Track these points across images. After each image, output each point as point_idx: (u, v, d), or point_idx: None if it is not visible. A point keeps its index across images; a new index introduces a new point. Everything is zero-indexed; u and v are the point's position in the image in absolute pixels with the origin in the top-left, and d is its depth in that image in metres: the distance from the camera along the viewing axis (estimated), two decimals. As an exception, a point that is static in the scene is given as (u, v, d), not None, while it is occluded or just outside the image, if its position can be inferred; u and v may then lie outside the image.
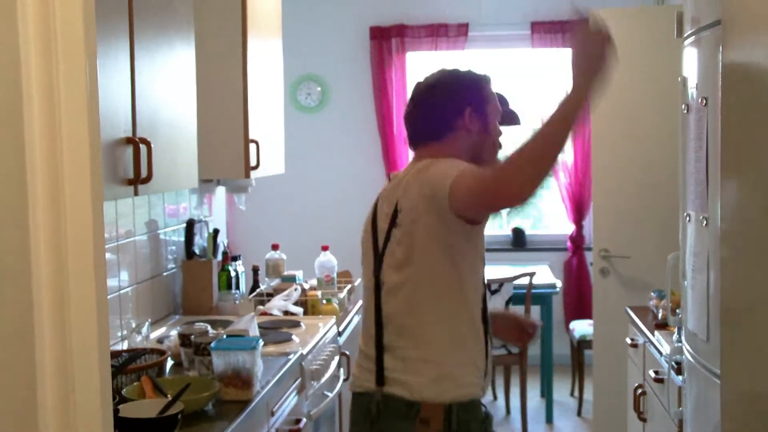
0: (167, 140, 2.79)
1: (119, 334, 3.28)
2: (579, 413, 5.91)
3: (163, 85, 2.81)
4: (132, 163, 2.50)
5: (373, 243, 2.49)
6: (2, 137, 1.28)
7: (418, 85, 2.58)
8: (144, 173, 2.54)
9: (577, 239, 6.89)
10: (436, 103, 2.52)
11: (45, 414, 1.27)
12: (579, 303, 6.82)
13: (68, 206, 1.31)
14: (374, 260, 2.46)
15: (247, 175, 3.80)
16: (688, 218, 2.73)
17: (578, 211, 6.84)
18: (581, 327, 5.91)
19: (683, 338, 2.89)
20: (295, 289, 3.95)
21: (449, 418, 2.29)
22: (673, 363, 3.07)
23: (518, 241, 7.02)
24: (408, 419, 2.29)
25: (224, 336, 2.82)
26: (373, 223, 2.54)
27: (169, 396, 2.42)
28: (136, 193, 2.55)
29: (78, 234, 1.30)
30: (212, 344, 2.65)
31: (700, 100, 2.53)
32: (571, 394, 6.20)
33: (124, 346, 3.17)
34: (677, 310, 3.23)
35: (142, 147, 2.53)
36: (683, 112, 2.77)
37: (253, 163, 3.81)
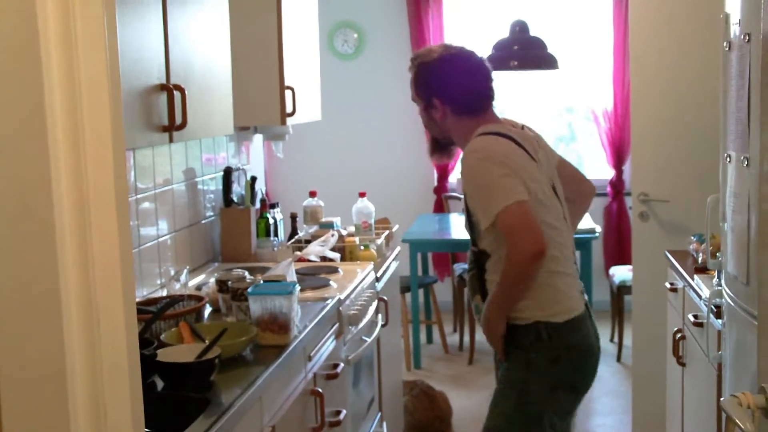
0: (201, 87, 2.79)
1: (158, 281, 3.32)
2: (618, 359, 5.91)
3: (197, 32, 2.80)
4: (166, 109, 2.51)
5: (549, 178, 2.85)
6: (21, 89, 1.27)
7: (474, 54, 2.92)
8: (179, 120, 2.55)
9: (617, 184, 6.82)
10: None
11: (71, 343, 1.28)
12: (619, 248, 6.78)
13: (89, 155, 1.30)
14: (555, 194, 2.85)
15: (283, 122, 3.79)
16: (728, 159, 2.68)
17: (618, 156, 6.77)
18: (621, 272, 5.87)
19: (723, 281, 2.86)
20: (333, 235, 3.96)
21: None
22: (712, 307, 3.04)
23: (558, 186, 6.96)
24: None
25: (261, 281, 2.83)
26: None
27: (206, 341, 2.44)
28: (171, 140, 2.56)
29: (100, 181, 1.30)
30: (249, 289, 2.67)
31: (743, 37, 2.46)
32: (611, 340, 6.19)
33: (163, 293, 3.21)
34: (717, 254, 3.19)
35: (176, 93, 2.54)
36: (725, 49, 2.70)
37: (289, 109, 3.81)
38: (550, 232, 2.74)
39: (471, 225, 2.85)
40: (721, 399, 1.91)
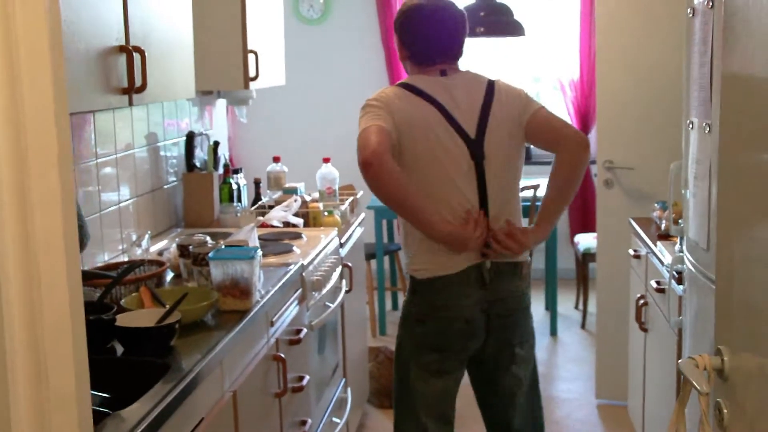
0: (161, 49, 2.74)
1: (120, 247, 3.28)
2: (583, 326, 5.95)
3: (157, -8, 2.76)
4: (126, 71, 2.46)
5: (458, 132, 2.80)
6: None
7: (451, 6, 2.91)
8: (138, 82, 2.50)
9: (583, 152, 6.83)
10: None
11: (9, 305, 1.25)
12: (584, 216, 6.81)
13: (28, 125, 1.27)
14: (467, 146, 2.80)
15: (246, 86, 3.75)
16: (690, 125, 2.69)
17: (584, 125, 6.78)
18: (586, 240, 5.90)
19: (684, 248, 2.88)
20: (295, 200, 3.93)
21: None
22: (674, 272, 3.07)
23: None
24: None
25: (223, 246, 2.81)
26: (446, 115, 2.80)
27: (167, 306, 2.42)
28: (131, 103, 2.51)
29: (40, 136, 1.27)
30: (210, 254, 2.64)
31: (706, 3, 2.47)
32: (576, 307, 6.24)
33: (125, 258, 3.17)
34: (679, 221, 3.21)
35: (136, 55, 2.49)
36: (689, 16, 2.71)
37: (252, 74, 3.76)
38: (428, 186, 2.75)
39: None
40: (679, 361, 1.92)
